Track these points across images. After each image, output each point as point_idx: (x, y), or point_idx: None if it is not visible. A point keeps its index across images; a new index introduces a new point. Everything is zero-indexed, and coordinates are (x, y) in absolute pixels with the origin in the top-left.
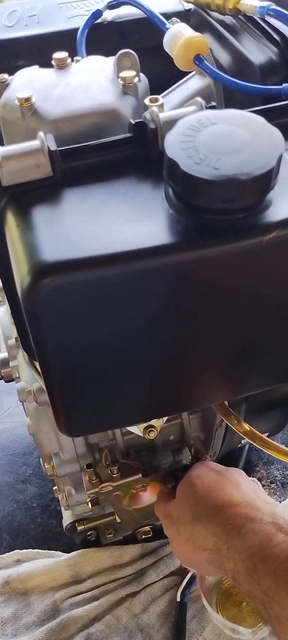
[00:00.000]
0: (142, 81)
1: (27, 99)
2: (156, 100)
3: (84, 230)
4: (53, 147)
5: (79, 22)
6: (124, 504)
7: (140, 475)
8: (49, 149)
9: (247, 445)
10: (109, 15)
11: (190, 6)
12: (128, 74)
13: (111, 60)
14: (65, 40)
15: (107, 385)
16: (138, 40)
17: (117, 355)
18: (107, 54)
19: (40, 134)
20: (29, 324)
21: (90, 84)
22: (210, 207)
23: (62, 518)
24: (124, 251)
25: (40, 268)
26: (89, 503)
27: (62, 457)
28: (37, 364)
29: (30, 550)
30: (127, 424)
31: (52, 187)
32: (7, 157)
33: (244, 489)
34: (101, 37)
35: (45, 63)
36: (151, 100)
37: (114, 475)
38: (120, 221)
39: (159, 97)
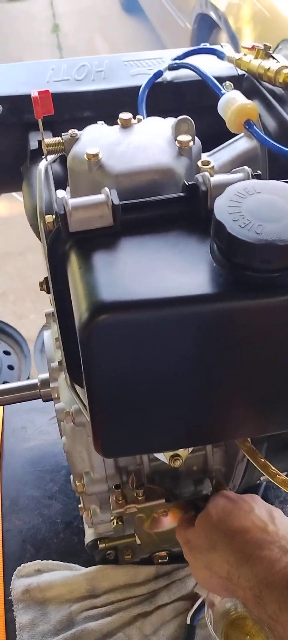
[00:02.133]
0: (196, 144)
1: (95, 155)
2: (208, 163)
3: (138, 276)
4: (116, 201)
5: (141, 80)
6: (145, 526)
7: (164, 500)
8: (112, 202)
9: (264, 483)
10: (168, 76)
11: (244, 72)
12: (184, 138)
13: (169, 122)
14: (128, 95)
15: (144, 414)
16: (193, 99)
17: (156, 388)
18: (166, 110)
19: (106, 189)
20: (82, 353)
21: (150, 144)
22: (250, 265)
23: (84, 535)
24: (171, 297)
25: (98, 306)
26: (114, 521)
27: (93, 476)
28: (77, 388)
29: (51, 561)
30: (157, 450)
31: (112, 236)
32: (76, 208)
33: (257, 513)
34: (160, 95)
35: (110, 116)
36: (203, 163)
37: (139, 498)
38: (169, 270)
39: (211, 160)
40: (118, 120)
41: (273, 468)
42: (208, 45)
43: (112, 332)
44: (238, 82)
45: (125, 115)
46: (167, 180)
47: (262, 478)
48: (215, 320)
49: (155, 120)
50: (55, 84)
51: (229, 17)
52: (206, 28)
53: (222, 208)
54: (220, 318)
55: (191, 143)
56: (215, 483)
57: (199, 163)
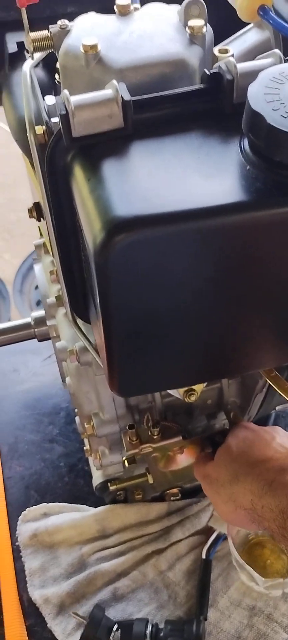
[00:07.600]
0: (209, 31)
1: (93, 46)
2: (226, 51)
3: (159, 186)
4: (127, 97)
5: None
6: (160, 465)
7: (180, 437)
8: (122, 99)
9: (274, 413)
10: None
11: None
12: (197, 22)
13: (173, 7)
14: None
15: (164, 347)
16: None
17: (178, 316)
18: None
19: (114, 82)
20: (98, 281)
21: (156, 32)
22: None
23: (90, 477)
24: (201, 208)
25: (116, 224)
26: (126, 462)
27: (102, 417)
28: (80, 323)
29: (57, 503)
30: (177, 386)
31: (122, 139)
32: (80, 107)
33: (279, 442)
34: None
35: (96, 11)
36: (221, 51)
37: (155, 437)
38: (195, 176)
39: (229, 48)
40: (115, 8)
41: None
42: None
43: (132, 253)
44: None
45: (122, 1)
46: (180, 72)
47: (277, 408)
48: (253, 232)
49: (156, 5)
50: None
51: None
52: None
53: (257, 97)
54: (259, 229)
55: (204, 29)
56: (233, 416)
57: (216, 52)
